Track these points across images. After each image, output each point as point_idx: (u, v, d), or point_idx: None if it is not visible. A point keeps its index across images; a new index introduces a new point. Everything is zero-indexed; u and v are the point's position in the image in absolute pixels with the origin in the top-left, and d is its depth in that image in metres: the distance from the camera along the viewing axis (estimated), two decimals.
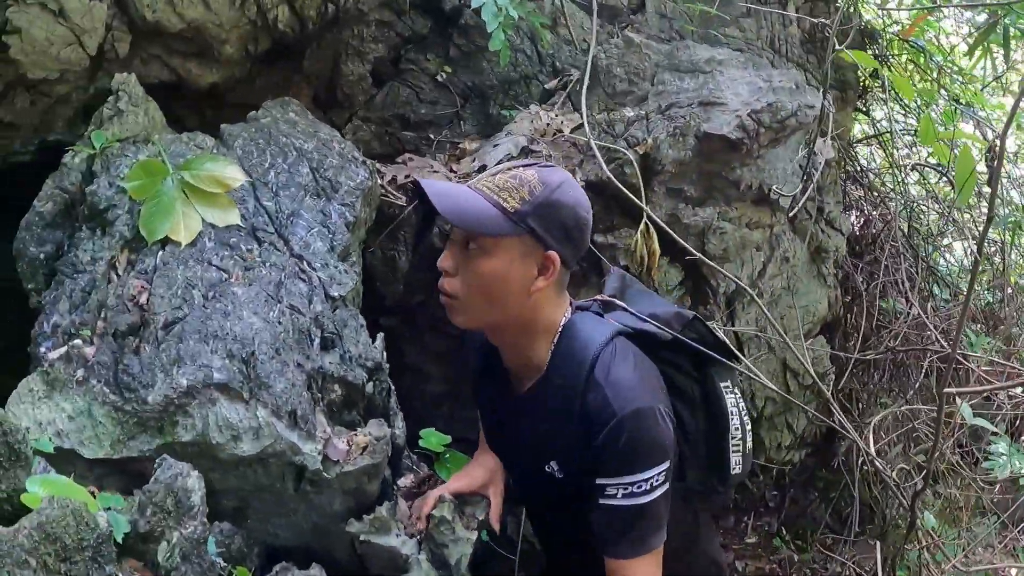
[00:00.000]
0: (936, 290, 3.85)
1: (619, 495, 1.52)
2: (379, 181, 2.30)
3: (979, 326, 3.69)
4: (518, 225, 1.52)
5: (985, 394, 3.12)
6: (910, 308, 3.40)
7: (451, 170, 2.45)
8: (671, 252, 2.47)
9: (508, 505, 1.92)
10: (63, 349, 1.62)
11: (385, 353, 1.93)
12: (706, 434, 1.72)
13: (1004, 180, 3.92)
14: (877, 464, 2.56)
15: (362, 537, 1.70)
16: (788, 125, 2.52)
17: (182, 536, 1.30)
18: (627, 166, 2.35)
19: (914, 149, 4.07)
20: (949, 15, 3.82)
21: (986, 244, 3.82)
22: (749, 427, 1.77)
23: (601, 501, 1.54)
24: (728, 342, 1.83)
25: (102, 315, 1.69)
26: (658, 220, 2.26)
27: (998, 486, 3.22)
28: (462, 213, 1.52)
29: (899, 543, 2.73)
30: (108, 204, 1.85)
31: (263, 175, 2.00)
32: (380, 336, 1.95)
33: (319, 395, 1.73)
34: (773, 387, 2.50)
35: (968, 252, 3.92)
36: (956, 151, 1.92)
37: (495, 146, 2.46)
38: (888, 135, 3.91)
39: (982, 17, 3.13)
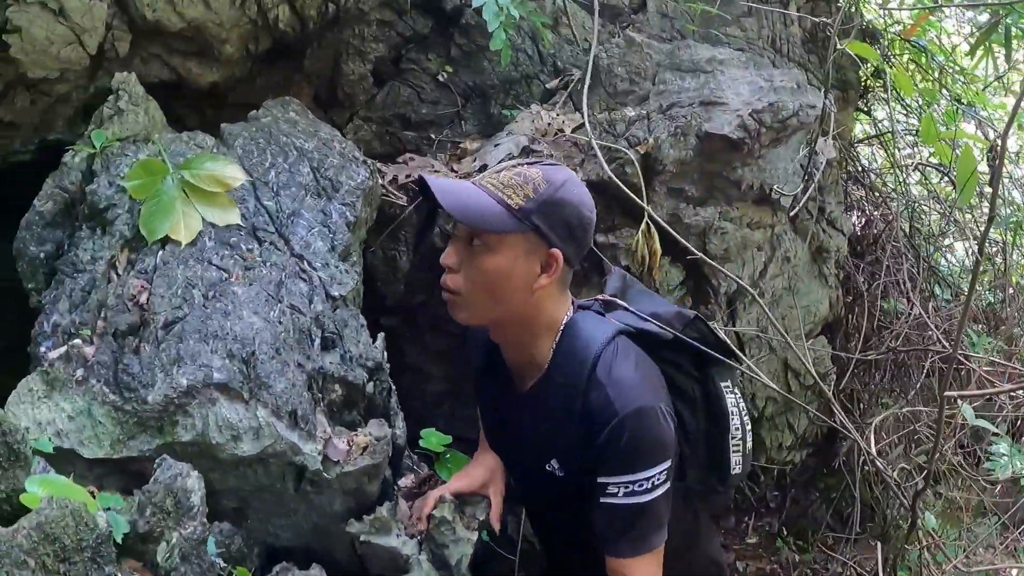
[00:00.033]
0: (938, 290, 3.85)
1: (620, 494, 1.52)
2: (380, 181, 2.30)
3: (980, 327, 3.69)
4: (522, 222, 1.52)
5: (986, 396, 3.12)
6: (911, 308, 3.40)
7: (452, 170, 2.45)
8: (672, 252, 2.47)
9: (508, 505, 1.91)
10: (63, 349, 1.61)
11: (386, 353, 1.93)
12: (706, 434, 1.72)
13: (1006, 180, 3.91)
14: (878, 464, 2.56)
15: (362, 537, 1.70)
16: (789, 125, 2.51)
17: (181, 536, 1.30)
18: (628, 166, 2.34)
19: (916, 149, 4.06)
20: (951, 15, 3.81)
21: (988, 244, 3.81)
22: (749, 427, 1.77)
23: (602, 500, 1.54)
24: (729, 342, 1.82)
25: (102, 315, 1.69)
26: (659, 220, 2.25)
27: (999, 487, 3.22)
28: (466, 209, 1.52)
29: (900, 543, 2.72)
30: (108, 203, 1.84)
31: (263, 174, 2.00)
32: (381, 336, 1.95)
33: (319, 395, 1.73)
34: (774, 387, 2.50)
35: (969, 252, 3.91)
36: (958, 151, 1.92)
37: (496, 146, 2.45)
38: (890, 135, 3.91)
39: (984, 17, 3.13)
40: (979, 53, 3.01)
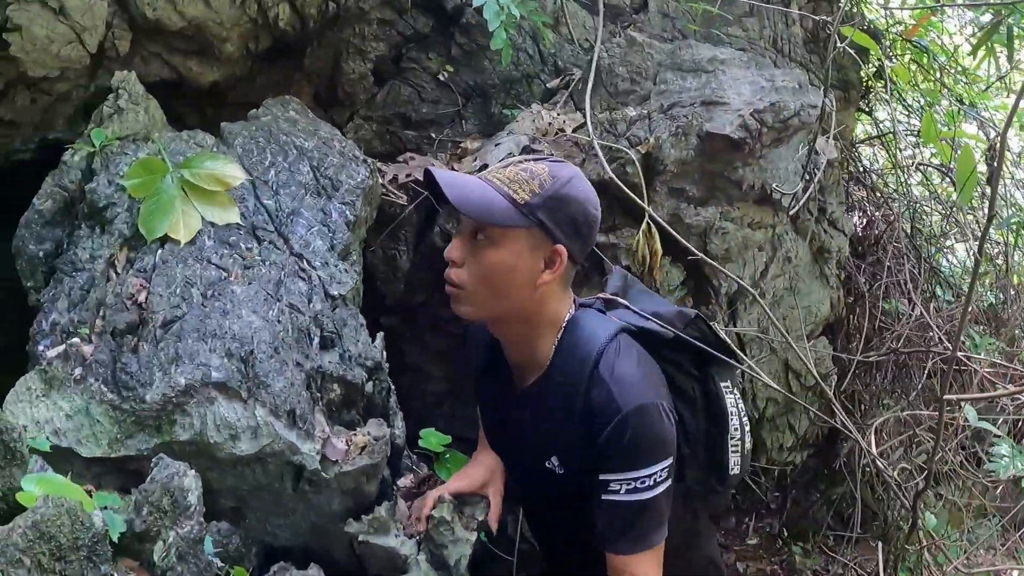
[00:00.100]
0: (939, 291, 3.84)
1: (622, 491, 1.52)
2: (380, 180, 2.30)
3: (982, 328, 3.68)
4: (527, 217, 1.51)
5: (987, 399, 3.11)
6: (913, 309, 3.39)
7: (452, 169, 2.45)
8: (673, 252, 2.46)
9: (507, 505, 1.91)
10: (61, 347, 1.61)
11: (385, 352, 1.93)
12: (706, 434, 1.72)
13: (1007, 181, 3.91)
14: (879, 465, 2.55)
15: (361, 537, 1.70)
16: (791, 125, 2.51)
17: (178, 535, 1.29)
18: (629, 165, 2.34)
19: (918, 150, 4.05)
20: (952, 15, 3.80)
21: (990, 245, 3.81)
22: (748, 428, 1.77)
23: (604, 497, 1.54)
24: (730, 342, 1.82)
25: (101, 313, 1.69)
26: (660, 220, 2.25)
27: (1000, 488, 3.21)
28: (472, 203, 1.52)
29: (901, 544, 2.72)
30: (107, 202, 1.84)
31: (263, 173, 1.99)
32: (380, 335, 1.94)
33: (318, 394, 1.73)
34: (776, 386, 2.49)
35: (971, 253, 3.90)
36: (958, 151, 1.91)
37: (496, 145, 2.45)
38: (891, 135, 3.90)
39: (986, 17, 3.12)
40: (981, 53, 3.00)
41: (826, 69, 2.21)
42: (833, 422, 2.57)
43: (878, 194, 3.94)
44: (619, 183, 2.23)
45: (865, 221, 3.89)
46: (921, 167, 4.06)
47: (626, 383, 1.52)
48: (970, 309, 3.48)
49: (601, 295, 1.77)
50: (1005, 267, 3.85)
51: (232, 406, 1.58)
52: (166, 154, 1.92)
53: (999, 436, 2.69)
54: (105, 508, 1.30)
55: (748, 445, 1.77)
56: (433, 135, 2.69)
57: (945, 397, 1.87)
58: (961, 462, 3.17)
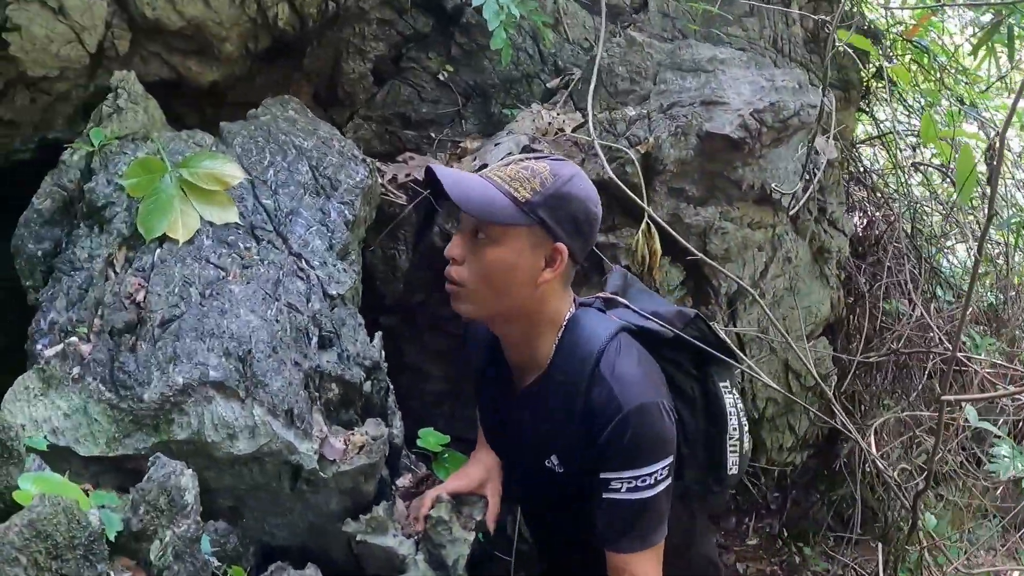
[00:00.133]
0: (939, 292, 3.84)
1: (623, 489, 1.52)
2: (379, 180, 2.30)
3: (983, 328, 3.68)
4: (528, 215, 1.51)
5: (986, 400, 3.10)
6: (913, 310, 3.39)
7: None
8: (672, 252, 2.46)
9: (506, 505, 1.91)
10: (59, 346, 1.61)
11: (383, 352, 1.93)
12: (705, 433, 1.72)
13: (1008, 181, 3.90)
14: (879, 465, 2.55)
15: (359, 537, 1.69)
16: (791, 125, 2.50)
17: (175, 535, 1.29)
18: (628, 165, 2.34)
19: (918, 150, 4.05)
20: (953, 15, 3.80)
21: (990, 246, 3.80)
22: (747, 428, 1.76)
23: (604, 495, 1.54)
24: (729, 342, 1.82)
25: (99, 313, 1.69)
26: (659, 220, 2.24)
27: (1000, 489, 3.20)
28: (473, 200, 1.52)
29: (901, 545, 2.71)
30: (106, 201, 1.84)
31: (262, 173, 2.00)
32: (378, 335, 1.94)
33: (316, 394, 1.73)
34: (775, 387, 2.49)
35: (971, 253, 3.90)
36: (958, 151, 1.91)
37: (496, 145, 2.45)
38: (891, 136, 3.90)
39: (987, 17, 3.11)
40: (981, 53, 3.00)
41: (825, 69, 2.21)
42: (833, 422, 2.57)
43: (878, 194, 3.94)
44: (619, 183, 2.23)
45: (865, 221, 3.89)
46: (921, 167, 4.05)
47: (627, 382, 1.52)
48: (970, 309, 3.48)
49: (601, 294, 1.77)
50: (1006, 267, 3.85)
51: (230, 405, 1.58)
52: (165, 153, 1.92)
53: (999, 436, 2.68)
54: (102, 507, 1.30)
55: (747, 445, 1.77)
56: (433, 135, 2.69)
57: (944, 397, 1.86)
58: (961, 463, 3.17)
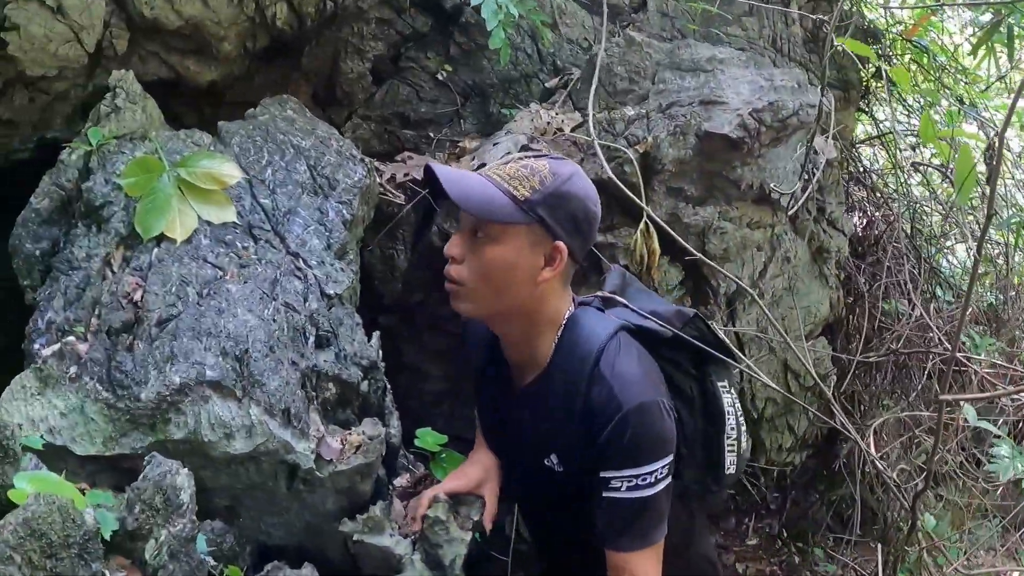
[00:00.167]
0: (939, 292, 3.83)
1: (623, 488, 1.53)
2: (378, 179, 2.30)
3: (983, 328, 3.67)
4: (528, 214, 1.51)
5: (985, 399, 3.10)
6: (912, 310, 3.38)
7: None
8: (671, 252, 2.46)
9: (504, 505, 1.90)
10: (56, 346, 1.61)
11: (381, 351, 1.92)
12: (703, 433, 1.72)
13: (1008, 181, 3.89)
14: (878, 465, 2.54)
15: (355, 537, 1.69)
16: (789, 124, 2.50)
17: (170, 534, 1.29)
18: (627, 165, 2.33)
19: (917, 150, 4.04)
20: (952, 15, 3.80)
21: (990, 246, 3.80)
22: (744, 428, 1.76)
23: (605, 494, 1.54)
24: (728, 341, 1.82)
25: (96, 312, 1.69)
26: (658, 219, 2.24)
27: (1000, 489, 3.20)
28: (472, 199, 1.52)
29: (900, 546, 2.71)
30: (104, 201, 1.84)
31: (260, 172, 1.99)
32: (375, 334, 1.94)
33: (313, 393, 1.73)
34: (775, 386, 2.48)
35: (970, 253, 3.90)
36: (958, 151, 1.91)
37: (495, 144, 2.44)
38: (891, 135, 3.89)
39: (986, 17, 3.11)
40: (981, 53, 2.99)
41: (823, 69, 2.21)
42: (832, 423, 2.57)
43: (878, 194, 3.94)
44: (618, 182, 2.23)
45: (865, 221, 3.88)
46: (921, 167, 4.05)
47: (627, 381, 1.52)
48: (970, 309, 3.47)
49: (599, 293, 1.77)
50: (1005, 267, 3.84)
51: (227, 405, 1.58)
52: (163, 153, 1.92)
53: (999, 436, 2.68)
54: (98, 506, 1.30)
55: (744, 445, 1.78)
56: (431, 134, 2.69)
57: (943, 397, 1.86)
58: (961, 463, 3.16)
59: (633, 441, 1.51)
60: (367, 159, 2.20)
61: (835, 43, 2.12)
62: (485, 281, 1.55)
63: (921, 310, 3.32)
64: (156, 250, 1.78)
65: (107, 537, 1.24)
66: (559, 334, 1.61)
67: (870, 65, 3.30)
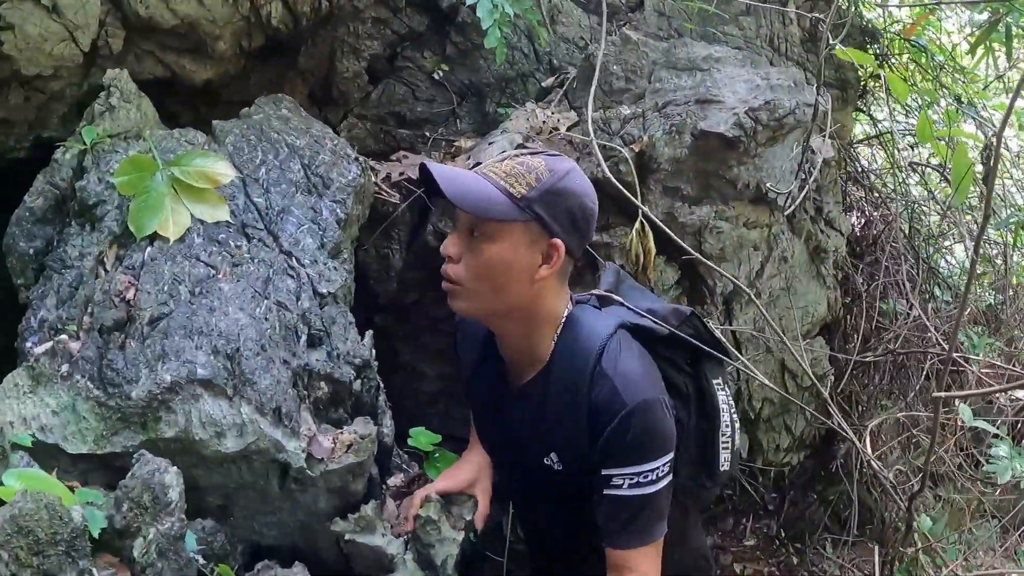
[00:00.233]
0: (937, 292, 3.82)
1: (625, 485, 1.53)
2: (373, 178, 2.30)
3: (981, 328, 3.66)
4: (524, 211, 1.51)
5: (983, 397, 3.09)
6: (910, 310, 3.38)
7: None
8: (667, 251, 2.45)
9: (498, 504, 1.90)
10: (48, 344, 1.61)
11: (374, 351, 1.92)
12: (698, 430, 1.72)
13: (1007, 181, 3.89)
14: (875, 466, 2.54)
15: (347, 536, 1.69)
16: (786, 123, 2.50)
17: (159, 532, 1.29)
18: (623, 164, 2.33)
19: (915, 150, 4.04)
20: (951, 14, 3.79)
21: (989, 246, 3.79)
22: (738, 425, 1.77)
23: (606, 492, 1.54)
24: (724, 340, 1.82)
25: (89, 310, 1.69)
26: (654, 219, 2.24)
27: (999, 489, 3.19)
28: (468, 197, 1.51)
29: (897, 547, 2.70)
30: (97, 200, 1.84)
31: (254, 171, 2.00)
32: (368, 333, 1.94)
33: (305, 392, 1.73)
34: (772, 386, 2.48)
35: (969, 253, 3.89)
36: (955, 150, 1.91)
37: (491, 144, 2.44)
38: (889, 135, 3.89)
39: (984, 16, 3.11)
40: (979, 52, 2.99)
41: (819, 68, 2.20)
42: (830, 423, 2.56)
43: (876, 194, 3.93)
44: (614, 181, 2.22)
45: (863, 221, 3.87)
46: (918, 166, 4.04)
47: (630, 379, 1.52)
48: (968, 309, 3.46)
49: (595, 291, 1.76)
50: (1003, 267, 3.83)
51: (218, 403, 1.58)
52: (156, 152, 1.92)
53: (997, 436, 2.67)
54: (87, 504, 1.30)
55: (739, 442, 1.78)
56: (427, 134, 2.69)
57: (938, 395, 1.86)
58: (960, 463, 3.16)
59: (636, 439, 1.51)
60: (362, 158, 2.20)
61: (832, 44, 2.11)
62: (482, 280, 1.55)
63: (919, 310, 3.31)
64: (149, 249, 1.78)
65: (95, 535, 1.24)
66: (558, 332, 1.61)
67: (867, 66, 3.29)
